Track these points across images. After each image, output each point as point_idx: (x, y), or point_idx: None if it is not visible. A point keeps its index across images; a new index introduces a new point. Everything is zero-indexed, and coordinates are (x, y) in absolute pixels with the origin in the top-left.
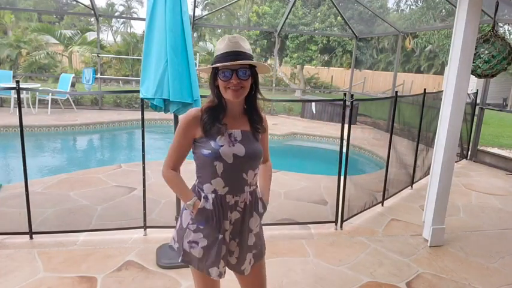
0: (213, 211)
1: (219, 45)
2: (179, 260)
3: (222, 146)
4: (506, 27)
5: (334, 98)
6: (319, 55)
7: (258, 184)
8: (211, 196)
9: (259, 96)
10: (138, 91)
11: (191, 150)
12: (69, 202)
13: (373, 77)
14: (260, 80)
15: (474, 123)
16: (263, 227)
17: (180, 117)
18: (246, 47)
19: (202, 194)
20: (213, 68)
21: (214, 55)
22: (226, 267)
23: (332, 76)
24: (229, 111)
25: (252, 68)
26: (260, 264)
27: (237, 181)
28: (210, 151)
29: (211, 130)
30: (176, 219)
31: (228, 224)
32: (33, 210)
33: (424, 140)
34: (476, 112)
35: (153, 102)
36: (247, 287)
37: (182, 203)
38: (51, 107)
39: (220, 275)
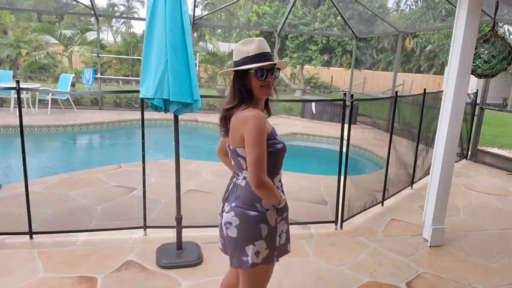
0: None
1: (247, 47)
2: (276, 261)
3: (281, 139)
4: (506, 27)
5: (334, 98)
6: (319, 55)
7: None
8: (279, 185)
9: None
10: (138, 91)
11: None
12: (69, 202)
13: (373, 77)
14: None
15: (474, 123)
16: None
17: (252, 121)
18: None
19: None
20: (243, 69)
21: (242, 56)
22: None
23: (332, 76)
24: (259, 108)
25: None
26: None
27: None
28: (281, 144)
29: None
30: (177, 219)
31: None
32: (33, 210)
33: (424, 140)
34: (476, 112)
35: (153, 102)
36: None
37: (249, 213)
38: (51, 107)
39: None
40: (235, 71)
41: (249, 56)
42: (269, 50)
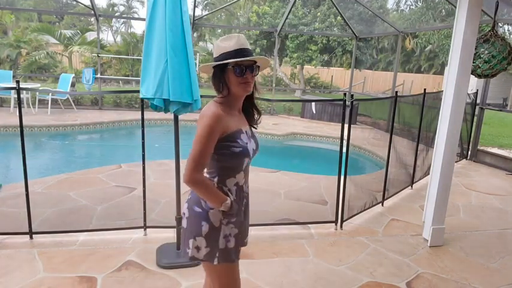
0: (237, 201)
1: (226, 43)
2: (215, 263)
3: (247, 143)
4: (506, 27)
5: (334, 98)
6: (319, 55)
7: None
8: (234, 188)
9: (257, 95)
10: (138, 91)
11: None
12: (69, 202)
13: (373, 77)
14: (260, 79)
15: (474, 123)
16: (263, 227)
17: (205, 118)
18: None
19: (225, 189)
20: (222, 64)
21: (221, 52)
22: None
23: (332, 76)
24: (234, 107)
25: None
26: None
27: (248, 172)
28: (241, 148)
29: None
30: (177, 219)
31: (243, 210)
32: (33, 210)
33: (424, 140)
34: (476, 112)
35: (153, 102)
36: None
37: (195, 208)
38: (51, 107)
39: None
40: (214, 67)
41: (228, 52)
42: (249, 47)
